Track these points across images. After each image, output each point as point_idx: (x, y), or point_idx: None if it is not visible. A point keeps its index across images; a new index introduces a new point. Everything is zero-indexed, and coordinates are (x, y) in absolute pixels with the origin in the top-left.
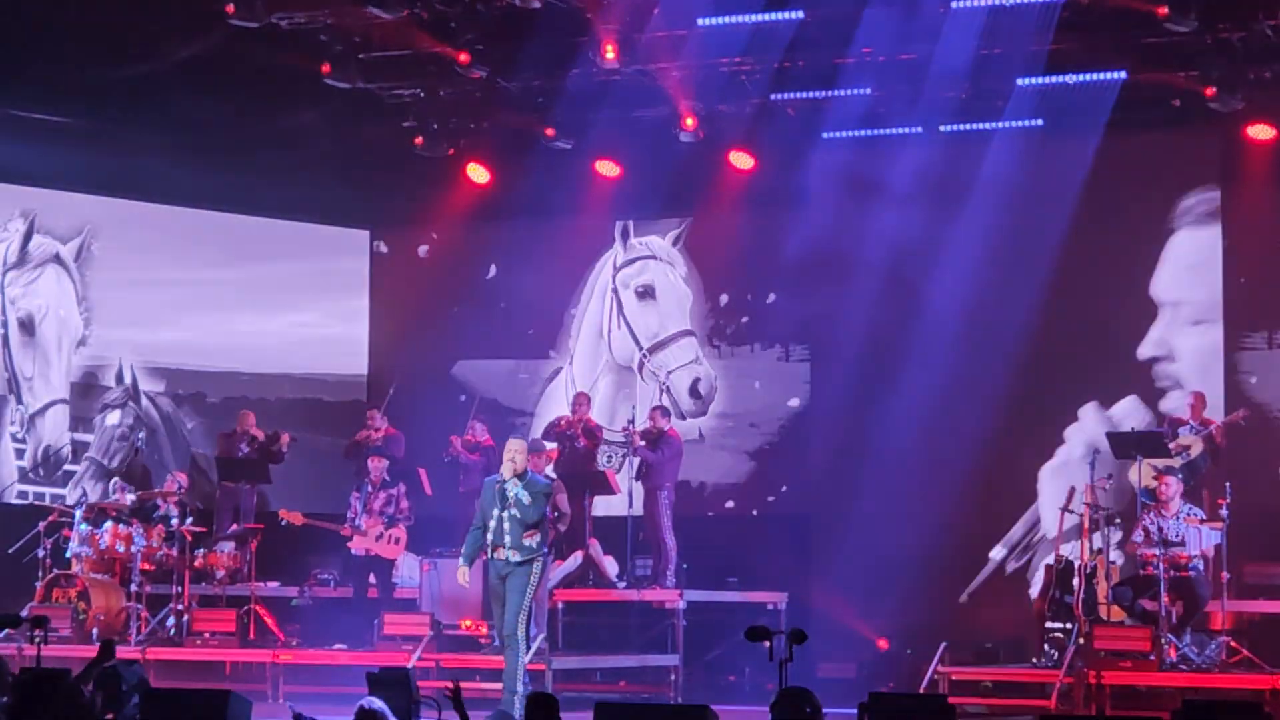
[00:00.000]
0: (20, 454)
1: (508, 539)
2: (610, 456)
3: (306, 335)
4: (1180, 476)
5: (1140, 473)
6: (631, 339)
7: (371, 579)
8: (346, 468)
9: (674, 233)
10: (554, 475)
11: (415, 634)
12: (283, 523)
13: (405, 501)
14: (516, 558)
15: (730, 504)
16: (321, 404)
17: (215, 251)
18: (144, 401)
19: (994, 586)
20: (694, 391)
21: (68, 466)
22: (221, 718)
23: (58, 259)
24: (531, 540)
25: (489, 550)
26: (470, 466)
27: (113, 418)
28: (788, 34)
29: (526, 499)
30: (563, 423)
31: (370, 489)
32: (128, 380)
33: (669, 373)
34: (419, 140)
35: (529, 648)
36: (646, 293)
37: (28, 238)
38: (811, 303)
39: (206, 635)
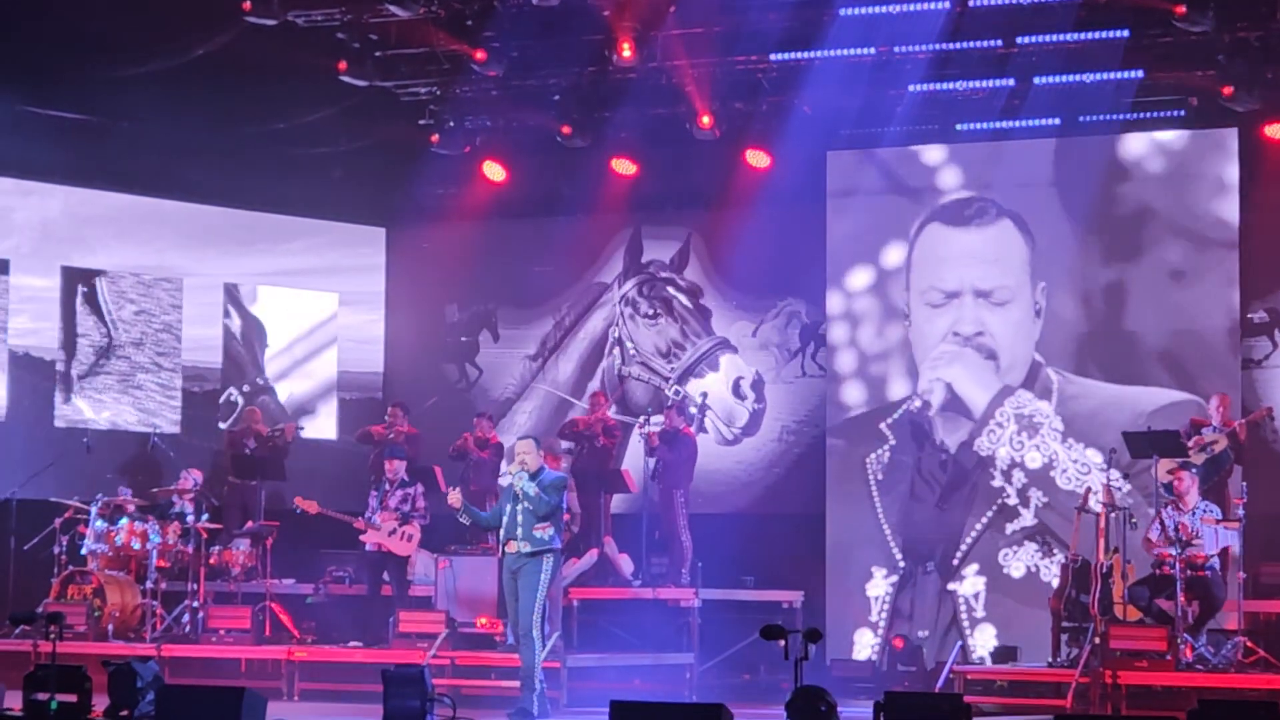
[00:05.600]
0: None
1: (519, 531)
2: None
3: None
4: (1194, 471)
5: (1158, 468)
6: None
7: (385, 576)
8: (362, 465)
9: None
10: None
11: (430, 632)
12: (297, 510)
13: (422, 501)
14: (528, 549)
15: (747, 502)
16: (338, 400)
17: (230, 248)
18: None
19: None
20: (738, 391)
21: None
22: (236, 715)
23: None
24: (543, 532)
25: (501, 546)
26: (481, 464)
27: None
28: (806, 32)
29: (534, 491)
30: (580, 422)
31: (388, 487)
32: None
33: (704, 399)
34: (435, 138)
35: (544, 645)
36: (658, 313)
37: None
38: (827, 302)
39: (221, 632)
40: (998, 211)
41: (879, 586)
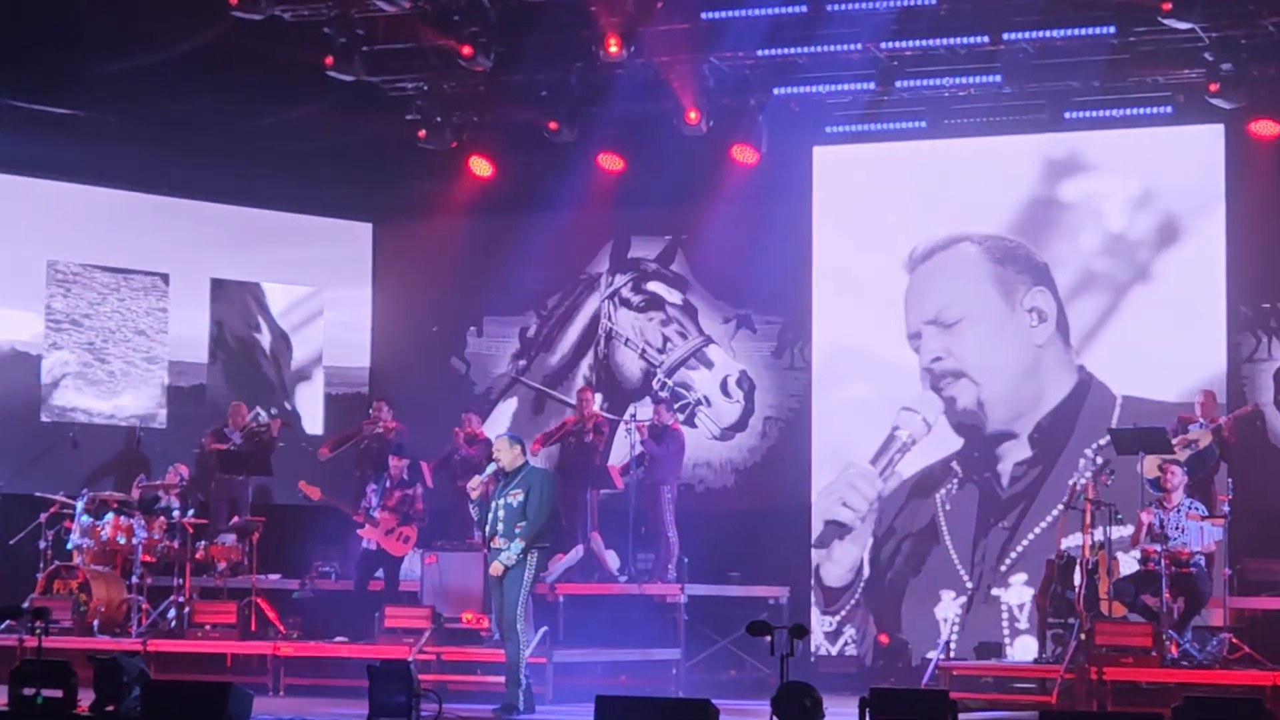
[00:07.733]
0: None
1: (501, 526)
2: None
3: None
4: (1185, 469)
5: (1143, 465)
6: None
7: (378, 574)
8: (350, 462)
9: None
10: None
11: (416, 627)
12: (300, 493)
13: (421, 504)
14: (507, 546)
15: (732, 498)
16: (325, 396)
17: (217, 244)
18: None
19: None
20: (725, 390)
21: None
22: (222, 710)
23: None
24: (523, 529)
25: (486, 542)
26: (469, 460)
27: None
28: (793, 28)
29: (520, 494)
30: (568, 423)
31: (389, 484)
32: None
33: (696, 396)
34: (422, 133)
35: (530, 642)
36: (645, 308)
37: None
38: (813, 298)
39: (207, 627)
40: (948, 239)
41: (948, 609)
